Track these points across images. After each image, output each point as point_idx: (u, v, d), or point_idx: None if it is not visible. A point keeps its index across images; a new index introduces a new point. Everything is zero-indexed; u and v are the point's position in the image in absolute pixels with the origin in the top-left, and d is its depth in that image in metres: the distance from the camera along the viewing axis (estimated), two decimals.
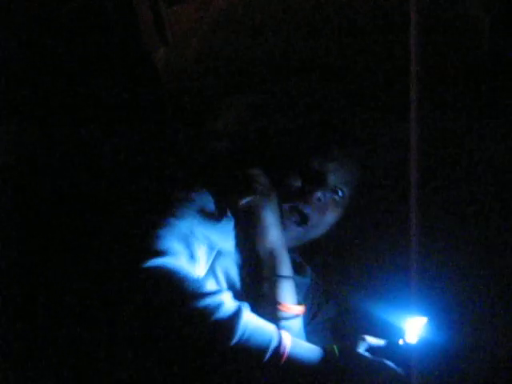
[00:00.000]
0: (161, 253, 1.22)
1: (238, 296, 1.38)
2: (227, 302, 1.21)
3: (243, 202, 1.45)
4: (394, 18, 1.53)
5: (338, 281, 1.64)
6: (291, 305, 1.41)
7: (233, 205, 1.45)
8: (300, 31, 1.73)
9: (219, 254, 1.39)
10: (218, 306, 1.19)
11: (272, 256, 1.43)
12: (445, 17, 1.50)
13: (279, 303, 1.39)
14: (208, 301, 1.18)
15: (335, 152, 1.55)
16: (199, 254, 1.31)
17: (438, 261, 1.53)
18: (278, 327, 1.32)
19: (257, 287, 1.43)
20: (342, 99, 1.71)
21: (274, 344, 1.21)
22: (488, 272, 1.55)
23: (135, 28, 1.80)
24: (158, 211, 1.34)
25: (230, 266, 1.42)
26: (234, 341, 1.18)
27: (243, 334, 1.19)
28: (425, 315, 1.27)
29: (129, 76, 1.81)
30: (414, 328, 1.28)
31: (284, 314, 1.39)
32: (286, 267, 1.44)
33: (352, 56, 1.69)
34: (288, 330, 1.35)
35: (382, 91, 1.53)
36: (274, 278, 1.41)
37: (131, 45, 1.80)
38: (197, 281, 1.21)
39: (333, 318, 1.59)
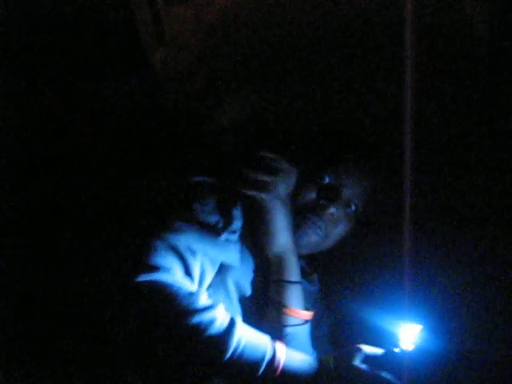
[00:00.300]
0: (155, 268, 1.22)
1: (248, 304, 1.41)
2: (220, 318, 1.21)
3: (251, 193, 1.42)
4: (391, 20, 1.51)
5: (336, 288, 1.63)
6: (299, 310, 1.41)
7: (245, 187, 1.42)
8: (303, 32, 1.71)
9: (227, 266, 1.39)
10: (211, 322, 1.19)
11: (281, 260, 1.44)
12: (441, 17, 1.48)
13: (286, 307, 1.40)
14: (200, 317, 1.18)
15: (351, 167, 1.55)
16: (196, 269, 1.30)
17: (433, 266, 1.52)
18: (284, 333, 1.35)
19: (265, 292, 1.43)
20: (358, 111, 1.69)
21: (267, 358, 1.22)
22: (484, 277, 1.54)
23: (133, 28, 1.78)
24: (157, 224, 1.32)
25: (241, 276, 1.42)
26: (227, 356, 1.18)
27: (236, 350, 1.19)
28: (420, 322, 1.26)
29: (126, 77, 1.80)
30: (409, 335, 1.28)
31: (291, 319, 1.40)
32: (294, 272, 1.44)
33: (352, 59, 1.67)
34: (294, 337, 1.38)
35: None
36: (281, 283, 1.42)
37: (129, 45, 1.79)
38: (190, 296, 1.20)
39: (333, 327, 1.61)
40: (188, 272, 1.28)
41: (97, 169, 1.71)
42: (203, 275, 1.33)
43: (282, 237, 1.43)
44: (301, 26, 1.70)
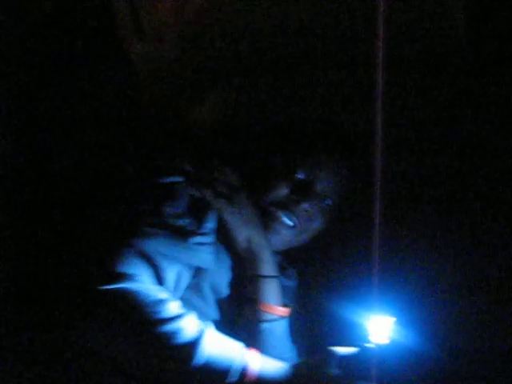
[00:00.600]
0: (122, 276, 1.20)
1: (225, 304, 1.40)
2: (188, 328, 1.19)
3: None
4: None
5: (314, 282, 1.62)
6: (275, 306, 1.40)
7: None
8: (285, 27, 1.70)
9: (203, 269, 1.37)
10: (177, 331, 1.17)
11: (253, 256, 1.43)
12: (418, 11, 1.47)
13: (262, 303, 1.39)
14: (166, 327, 1.17)
15: (324, 161, 1.53)
16: (170, 275, 1.29)
17: (403, 258, 1.51)
18: (260, 330, 1.34)
19: (240, 289, 1.42)
20: (335, 105, 1.67)
21: (235, 368, 1.19)
22: (455, 269, 1.54)
23: (110, 20, 1.77)
24: (126, 230, 1.30)
25: (218, 277, 1.41)
26: (192, 367, 1.16)
27: (202, 360, 1.17)
28: (393, 315, 1.25)
29: (104, 71, 1.78)
30: (383, 329, 1.26)
31: (267, 316, 1.39)
32: (269, 267, 1.43)
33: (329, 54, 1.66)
34: (271, 333, 1.38)
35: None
36: (256, 278, 1.41)
37: (106, 38, 1.78)
38: (157, 305, 1.18)
39: (310, 321, 1.60)
40: (160, 278, 1.26)
41: (67, 168, 1.69)
42: (179, 280, 1.31)
43: (245, 232, 1.42)
44: (280, 21, 1.69)
